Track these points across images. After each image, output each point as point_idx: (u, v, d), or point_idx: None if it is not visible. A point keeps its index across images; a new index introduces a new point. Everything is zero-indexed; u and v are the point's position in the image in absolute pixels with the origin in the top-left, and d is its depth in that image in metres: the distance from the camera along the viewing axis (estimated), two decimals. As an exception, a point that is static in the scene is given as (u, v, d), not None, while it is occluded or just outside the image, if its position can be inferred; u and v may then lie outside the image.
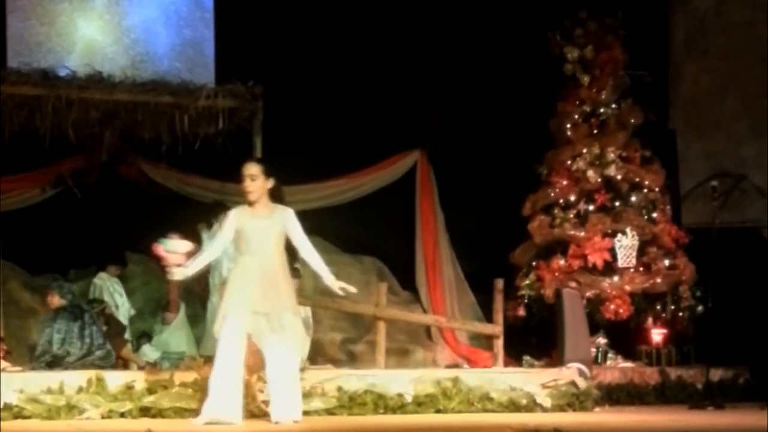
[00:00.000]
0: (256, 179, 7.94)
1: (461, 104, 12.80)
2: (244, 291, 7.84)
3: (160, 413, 8.50)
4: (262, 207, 7.98)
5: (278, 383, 7.83)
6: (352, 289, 8.10)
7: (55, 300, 9.98)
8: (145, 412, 8.49)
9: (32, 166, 11.73)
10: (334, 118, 12.26)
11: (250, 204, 7.97)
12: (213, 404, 7.79)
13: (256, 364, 8.13)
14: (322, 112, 12.21)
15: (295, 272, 11.42)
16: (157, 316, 11.83)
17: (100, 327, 9.97)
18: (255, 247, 7.91)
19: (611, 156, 12.47)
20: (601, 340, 12.05)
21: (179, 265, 7.98)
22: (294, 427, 7.73)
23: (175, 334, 11.54)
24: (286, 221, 8.01)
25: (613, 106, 12.77)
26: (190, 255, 8.07)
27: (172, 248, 8.07)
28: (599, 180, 12.44)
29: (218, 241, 8.14)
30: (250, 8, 12.00)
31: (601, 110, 12.75)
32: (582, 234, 12.27)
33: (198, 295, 11.76)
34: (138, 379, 8.69)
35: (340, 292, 8.09)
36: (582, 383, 9.80)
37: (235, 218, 7.99)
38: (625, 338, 12.22)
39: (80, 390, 8.48)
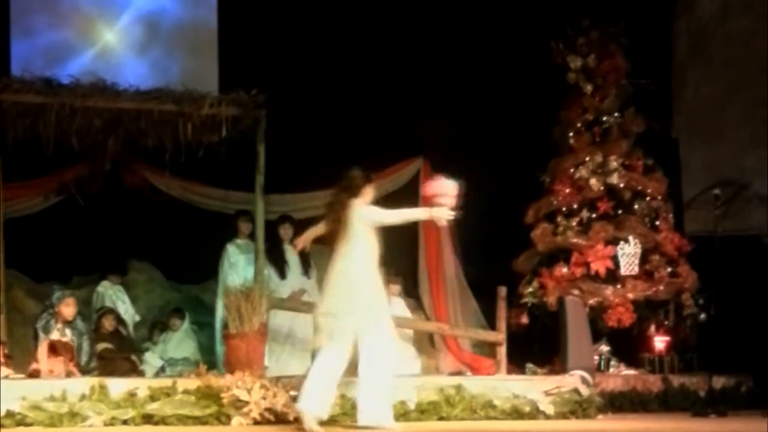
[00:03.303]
0: None
1: (464, 112, 12.80)
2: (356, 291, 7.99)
3: (163, 421, 8.49)
4: None
5: (367, 387, 7.91)
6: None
7: (73, 309, 9.93)
8: (147, 419, 8.48)
9: (36, 173, 11.73)
10: (337, 125, 12.27)
11: None
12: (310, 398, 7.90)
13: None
14: (325, 120, 12.22)
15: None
16: (158, 324, 11.82)
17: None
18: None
19: (614, 164, 12.47)
20: (604, 348, 12.04)
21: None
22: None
23: (185, 342, 11.52)
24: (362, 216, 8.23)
25: (616, 114, 12.78)
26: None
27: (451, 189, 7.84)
28: (602, 188, 12.45)
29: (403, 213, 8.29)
30: (253, 17, 12.03)
31: (604, 119, 12.76)
32: (584, 242, 12.28)
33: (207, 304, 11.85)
34: (141, 386, 8.68)
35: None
36: (585, 391, 9.79)
37: None
38: (627, 346, 12.21)
39: (83, 397, 8.47)
